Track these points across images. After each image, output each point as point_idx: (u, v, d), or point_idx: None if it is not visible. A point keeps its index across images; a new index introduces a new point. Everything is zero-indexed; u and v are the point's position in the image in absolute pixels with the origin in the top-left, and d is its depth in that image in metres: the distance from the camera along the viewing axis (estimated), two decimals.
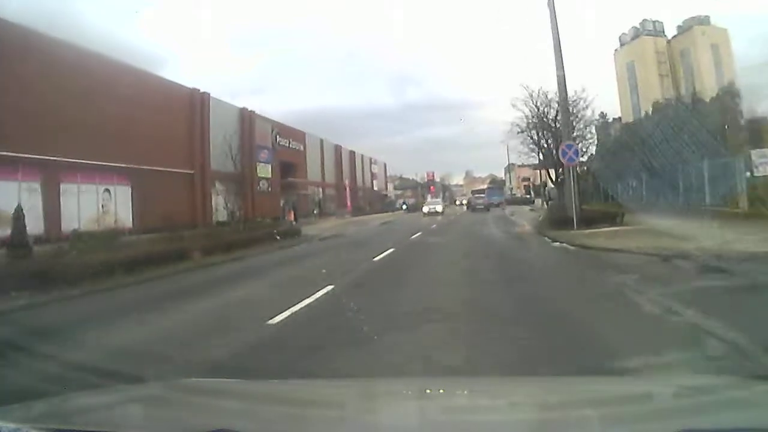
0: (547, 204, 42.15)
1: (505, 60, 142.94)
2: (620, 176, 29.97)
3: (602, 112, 58.58)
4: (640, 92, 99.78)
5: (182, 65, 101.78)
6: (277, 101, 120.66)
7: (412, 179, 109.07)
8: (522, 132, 30.78)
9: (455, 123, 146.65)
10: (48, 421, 1.69)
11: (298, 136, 50.96)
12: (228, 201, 27.85)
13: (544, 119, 28.59)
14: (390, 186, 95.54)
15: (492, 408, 2.13)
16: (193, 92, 35.41)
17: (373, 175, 77.28)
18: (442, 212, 41.18)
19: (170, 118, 31.62)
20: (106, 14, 79.70)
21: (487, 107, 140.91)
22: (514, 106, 28.80)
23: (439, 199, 45.35)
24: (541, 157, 32.21)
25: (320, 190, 55.92)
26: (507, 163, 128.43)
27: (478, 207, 54.09)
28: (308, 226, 34.97)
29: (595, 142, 37.86)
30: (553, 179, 29.50)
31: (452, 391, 2.49)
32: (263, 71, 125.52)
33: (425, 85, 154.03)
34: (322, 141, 57.36)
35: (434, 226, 29.31)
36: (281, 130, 46.97)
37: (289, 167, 48.01)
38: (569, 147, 17.85)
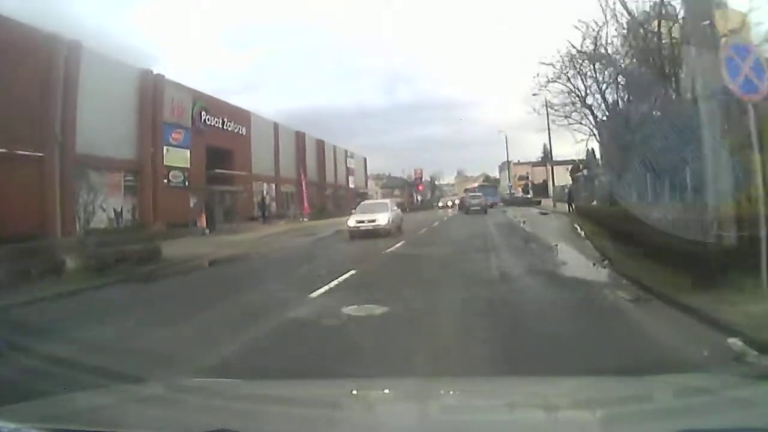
0: (572, 207, 30.51)
1: (496, 59, 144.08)
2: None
3: None
4: None
5: (173, 63, 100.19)
6: (268, 100, 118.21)
7: (400, 177, 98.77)
8: (555, 80, 19.19)
9: (446, 122, 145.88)
10: (48, 421, 1.67)
11: (240, 116, 39.02)
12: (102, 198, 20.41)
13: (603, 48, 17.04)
14: (372, 184, 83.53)
15: (492, 408, 2.13)
16: (54, 40, 23.32)
17: (348, 171, 65.47)
18: (387, 227, 21.62)
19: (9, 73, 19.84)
20: (98, 11, 76.76)
21: (479, 107, 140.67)
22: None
23: (388, 202, 27.32)
24: (592, 119, 20.40)
25: (273, 186, 44.03)
26: (503, 160, 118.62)
27: (473, 208, 43.41)
28: (223, 236, 23.49)
29: None
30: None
31: (452, 391, 2.48)
32: (254, 70, 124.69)
33: (416, 84, 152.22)
34: (276, 126, 45.42)
35: (398, 246, 17.44)
36: (210, 105, 35.04)
37: (222, 156, 36.22)
38: (743, 52, 6.07)
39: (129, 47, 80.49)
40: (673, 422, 1.60)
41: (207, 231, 25.99)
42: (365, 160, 75.00)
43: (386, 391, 2.55)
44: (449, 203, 65.01)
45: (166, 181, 29.93)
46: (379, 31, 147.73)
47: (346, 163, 64.83)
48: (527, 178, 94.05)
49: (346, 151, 65.33)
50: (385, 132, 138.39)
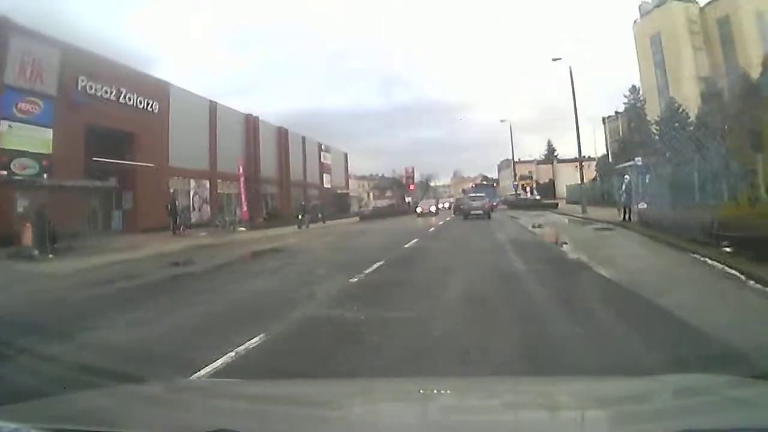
0: (628, 213, 20.05)
1: (494, 62, 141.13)
2: None
3: None
4: (668, 68, 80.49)
5: (171, 65, 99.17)
6: (265, 102, 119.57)
7: (392, 178, 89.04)
8: None
9: (442, 124, 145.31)
10: (48, 421, 1.65)
11: (150, 87, 28.61)
12: None
13: None
14: (355, 184, 73.22)
15: (492, 408, 2.14)
16: None
17: (323, 168, 55.17)
18: None
19: None
20: (98, 14, 75.58)
21: (475, 109, 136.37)
22: None
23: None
24: None
25: (206, 184, 33.71)
26: (502, 159, 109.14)
27: (474, 212, 33.80)
28: (34, 264, 13.39)
29: None
30: None
31: (452, 391, 2.47)
32: (251, 72, 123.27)
33: (412, 86, 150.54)
34: (214, 105, 34.95)
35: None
36: (98, 69, 24.71)
37: (118, 141, 25.97)
38: None
39: (130, 49, 78.62)
40: (673, 422, 1.57)
41: (35, 252, 15.67)
42: (346, 156, 64.69)
43: (386, 391, 2.51)
44: (433, 208, 45.96)
45: (4, 172, 19.73)
46: (375, 33, 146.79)
47: (320, 158, 54.51)
48: (530, 177, 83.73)
49: (319, 145, 54.98)
50: (381, 134, 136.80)
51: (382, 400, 2.33)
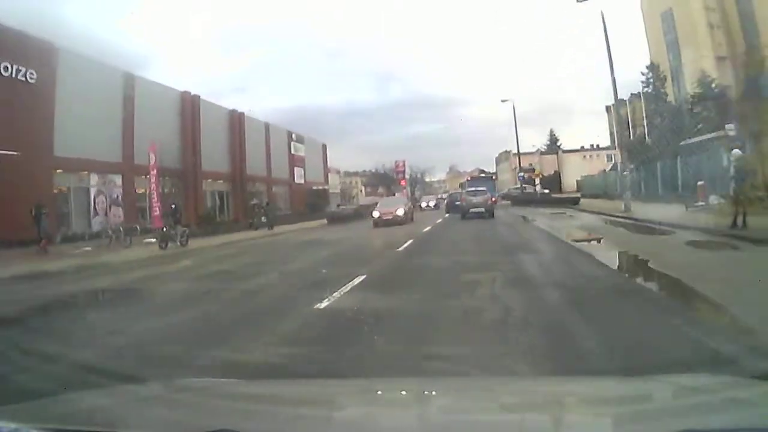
0: (743, 216, 11.59)
1: (488, 57, 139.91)
2: None
3: None
4: (682, 48, 72.40)
5: (165, 65, 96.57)
6: (259, 99, 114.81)
7: (385, 174, 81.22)
8: None
9: (438, 120, 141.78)
10: (48, 421, 1.65)
11: (23, 49, 20.79)
12: None
13: None
14: (336, 179, 65.27)
15: (492, 408, 2.12)
16: None
17: (294, 160, 47.33)
18: None
19: None
20: (89, 15, 74.42)
21: (470, 104, 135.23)
22: None
23: None
24: None
25: (116, 180, 25.77)
26: (500, 151, 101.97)
27: (474, 210, 27.68)
28: None
29: None
30: None
31: (452, 391, 2.42)
32: (245, 70, 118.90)
33: (409, 82, 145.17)
34: (131, 79, 26.88)
35: None
36: None
37: None
38: None
39: (122, 51, 73.93)
40: (673, 422, 1.56)
41: None
42: (324, 147, 56.81)
43: (386, 391, 2.49)
44: (400, 211, 26.81)
45: None
46: (370, 30, 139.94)
47: (289, 149, 46.69)
48: (532, 170, 75.98)
49: (289, 134, 47.09)
50: (376, 130, 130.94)
51: (382, 400, 2.34)
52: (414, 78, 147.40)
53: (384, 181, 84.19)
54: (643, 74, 58.12)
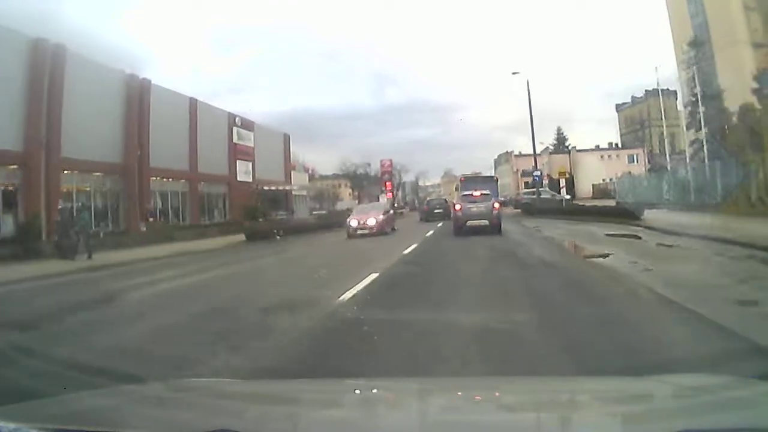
0: None
1: (484, 62, 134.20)
2: None
3: None
4: (713, 34, 61.34)
5: (162, 66, 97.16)
6: (255, 102, 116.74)
7: (375, 175, 70.91)
8: None
9: (435, 124, 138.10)
10: (48, 421, 1.65)
11: None
12: None
13: None
14: (304, 177, 53.64)
15: (492, 408, 2.12)
16: None
17: (236, 152, 36.05)
18: None
19: None
20: (86, 14, 76.03)
21: (467, 109, 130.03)
22: None
23: None
24: None
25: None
26: (499, 153, 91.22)
27: (472, 222, 19.36)
28: None
29: None
30: None
31: (452, 391, 2.43)
32: (242, 72, 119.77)
33: (405, 87, 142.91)
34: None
35: None
36: None
37: None
38: None
39: (119, 51, 76.27)
40: (673, 422, 1.56)
41: None
42: (287, 138, 45.61)
43: (386, 390, 2.47)
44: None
45: None
46: (366, 34, 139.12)
47: (230, 138, 35.50)
48: (541, 172, 64.99)
49: (230, 117, 35.89)
50: (372, 133, 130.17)
51: (382, 400, 2.33)
52: (409, 82, 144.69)
53: (363, 182, 73.51)
54: (683, 52, 47.67)
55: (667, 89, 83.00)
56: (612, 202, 28.98)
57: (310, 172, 57.77)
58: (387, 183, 70.11)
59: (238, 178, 35.95)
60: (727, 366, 3.70)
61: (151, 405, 2.04)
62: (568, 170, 57.76)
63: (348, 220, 22.61)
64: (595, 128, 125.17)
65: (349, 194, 76.68)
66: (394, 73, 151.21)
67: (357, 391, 2.47)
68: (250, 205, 31.84)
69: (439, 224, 25.08)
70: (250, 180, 37.41)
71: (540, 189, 36.46)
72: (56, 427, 1.59)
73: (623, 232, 15.32)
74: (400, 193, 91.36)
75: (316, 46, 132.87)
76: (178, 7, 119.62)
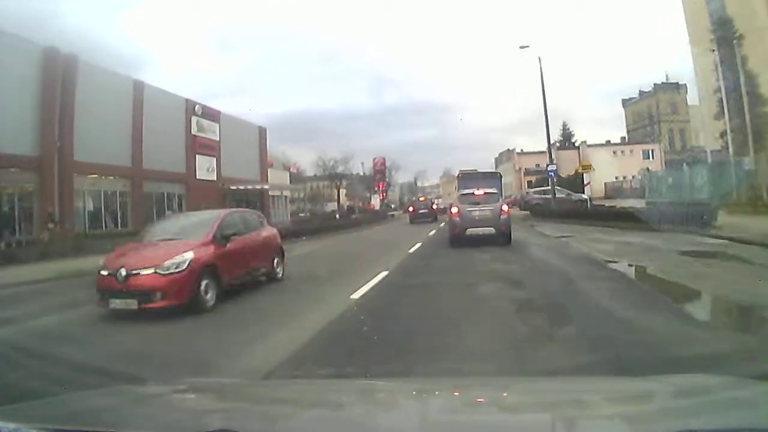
0: None
1: (484, 63, 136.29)
2: None
3: None
4: (735, 18, 55.48)
5: (162, 68, 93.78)
6: (256, 103, 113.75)
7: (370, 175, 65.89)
8: None
9: (434, 125, 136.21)
10: (48, 421, 1.64)
11: None
12: None
13: None
14: (284, 176, 47.95)
15: (492, 408, 2.10)
16: None
17: (196, 145, 30.62)
18: None
19: None
20: (86, 17, 63.71)
21: (467, 110, 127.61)
22: None
23: None
24: None
25: None
26: (504, 149, 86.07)
27: (476, 231, 14.40)
28: None
29: None
30: None
31: (452, 391, 2.40)
32: (242, 74, 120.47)
33: (404, 88, 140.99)
34: None
35: None
36: None
37: None
38: None
39: (120, 53, 74.20)
40: (673, 422, 1.57)
41: None
42: (263, 133, 40.13)
43: (386, 391, 2.45)
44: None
45: None
46: (365, 36, 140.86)
47: (188, 129, 30.08)
48: (556, 167, 59.54)
49: (189, 104, 30.52)
50: (372, 135, 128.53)
51: (382, 400, 2.30)
52: (409, 84, 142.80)
53: (354, 182, 67.98)
54: (711, 31, 42.43)
55: (677, 83, 78.44)
56: (633, 202, 23.72)
57: (295, 170, 52.12)
58: (380, 184, 64.72)
59: (198, 176, 30.51)
60: None
61: (151, 405, 2.00)
62: (579, 166, 52.35)
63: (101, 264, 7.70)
64: (595, 127, 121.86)
65: (345, 195, 71.26)
66: (393, 74, 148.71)
67: (357, 391, 2.44)
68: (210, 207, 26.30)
69: (431, 232, 19.79)
70: (214, 178, 32.01)
71: (546, 188, 31.12)
72: (56, 427, 1.57)
73: (706, 249, 9.96)
74: (397, 191, 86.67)
75: (314, 48, 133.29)
76: (178, 8, 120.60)
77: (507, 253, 11.56)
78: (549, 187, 28.14)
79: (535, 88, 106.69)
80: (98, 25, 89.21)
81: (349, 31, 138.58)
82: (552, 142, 60.83)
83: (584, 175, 25.41)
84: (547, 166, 27.25)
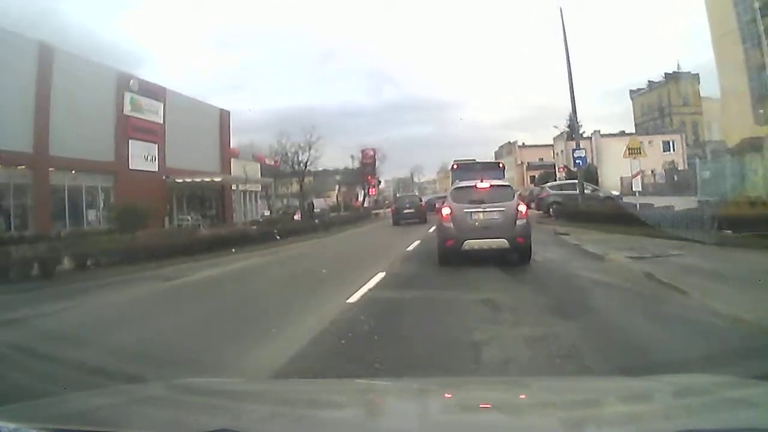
0: None
1: (483, 59, 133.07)
2: None
3: None
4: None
5: (160, 64, 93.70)
6: (255, 99, 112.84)
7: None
8: None
9: (432, 122, 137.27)
10: (48, 421, 1.63)
11: None
12: None
13: None
14: (254, 168, 41.72)
15: (492, 408, 2.09)
16: None
17: (130, 128, 24.78)
18: None
19: None
20: (84, 14, 76.74)
21: (465, 107, 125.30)
22: None
23: None
24: None
25: None
26: (504, 142, 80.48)
27: (478, 242, 9.27)
28: None
29: None
30: None
31: (452, 391, 2.41)
32: (241, 70, 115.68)
33: (401, 84, 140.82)
34: None
35: None
36: None
37: None
38: None
39: (117, 49, 74.58)
40: (673, 422, 1.57)
41: None
42: (225, 116, 34.10)
43: (386, 391, 2.46)
44: None
45: None
46: (363, 32, 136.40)
47: (118, 108, 24.16)
48: (555, 167, 53.53)
49: (119, 76, 24.53)
50: (371, 131, 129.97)
51: (382, 400, 2.30)
52: (407, 80, 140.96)
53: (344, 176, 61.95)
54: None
55: (689, 72, 72.82)
56: (679, 202, 18.19)
57: (272, 162, 46.08)
58: (369, 177, 58.44)
59: (133, 166, 24.55)
60: None
61: (151, 405, 2.00)
62: (593, 159, 46.37)
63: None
64: (597, 124, 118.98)
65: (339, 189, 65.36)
66: (391, 71, 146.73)
67: (357, 391, 2.44)
68: (137, 205, 20.21)
69: (413, 244, 13.96)
70: (155, 169, 26.10)
71: (566, 182, 25.21)
72: (56, 427, 1.57)
73: None
74: (391, 187, 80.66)
75: (313, 45, 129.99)
76: (178, 5, 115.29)
77: (545, 314, 5.79)
78: (569, 181, 22.03)
79: (534, 84, 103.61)
80: (98, 25, 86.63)
81: (349, 30, 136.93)
82: (561, 132, 55.49)
83: (634, 158, 19.38)
84: (574, 151, 21.08)
